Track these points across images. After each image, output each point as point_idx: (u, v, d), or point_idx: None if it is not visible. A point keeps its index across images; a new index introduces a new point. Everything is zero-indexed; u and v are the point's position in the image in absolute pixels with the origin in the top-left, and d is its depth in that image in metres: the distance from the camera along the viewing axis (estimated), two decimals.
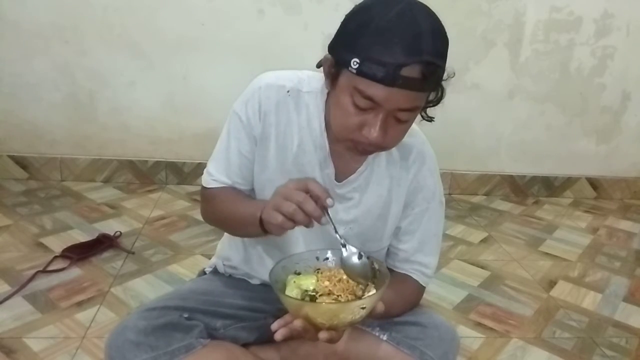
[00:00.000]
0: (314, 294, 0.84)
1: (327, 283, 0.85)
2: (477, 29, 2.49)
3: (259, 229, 0.89)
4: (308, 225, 0.82)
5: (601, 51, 2.60)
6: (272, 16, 2.34)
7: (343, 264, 0.85)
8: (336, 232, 0.85)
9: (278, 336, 0.80)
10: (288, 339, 0.81)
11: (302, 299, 0.82)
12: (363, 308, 0.78)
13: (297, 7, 2.34)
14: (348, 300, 0.81)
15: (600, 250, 2.21)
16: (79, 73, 2.34)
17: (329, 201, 0.82)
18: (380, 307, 0.82)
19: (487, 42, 2.52)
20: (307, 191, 0.82)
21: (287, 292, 0.83)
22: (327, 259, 0.91)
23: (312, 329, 0.79)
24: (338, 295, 0.83)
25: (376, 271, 0.86)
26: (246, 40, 2.35)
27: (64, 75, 2.34)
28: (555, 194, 2.84)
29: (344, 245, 0.85)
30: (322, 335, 0.78)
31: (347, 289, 0.84)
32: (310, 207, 0.80)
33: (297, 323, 0.78)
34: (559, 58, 2.59)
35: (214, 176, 1.04)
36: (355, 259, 0.85)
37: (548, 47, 2.56)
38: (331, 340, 0.79)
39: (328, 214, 0.83)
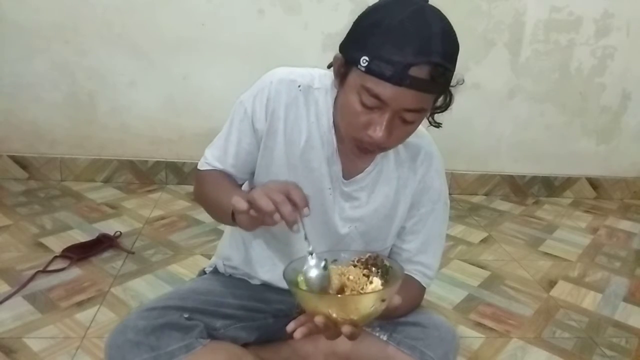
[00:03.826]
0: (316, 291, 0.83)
1: (336, 280, 0.84)
2: (477, 29, 2.49)
3: (230, 218, 0.88)
4: (273, 218, 0.79)
5: (601, 51, 2.60)
6: (272, 16, 2.34)
7: (305, 272, 0.83)
8: (306, 238, 0.83)
9: (298, 335, 0.79)
10: (307, 336, 0.80)
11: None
12: (383, 300, 0.78)
13: (297, 7, 2.34)
14: (369, 292, 0.80)
15: (600, 250, 2.21)
16: (79, 73, 2.34)
17: (305, 210, 0.81)
18: (397, 299, 0.81)
19: (487, 42, 2.52)
20: (288, 195, 0.80)
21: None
22: (336, 260, 0.90)
23: (332, 326, 0.78)
24: (351, 290, 0.83)
25: (387, 267, 0.86)
26: (246, 40, 2.35)
27: (64, 75, 2.34)
28: (555, 194, 2.84)
29: (311, 254, 0.83)
30: (346, 329, 0.77)
31: (356, 287, 0.84)
32: (287, 210, 0.78)
33: (319, 319, 0.77)
34: (559, 58, 2.59)
35: (208, 160, 1.05)
36: (313, 272, 0.82)
37: (548, 47, 2.57)
38: (353, 336, 0.78)
39: (302, 223, 0.81)
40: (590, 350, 1.51)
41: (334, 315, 0.77)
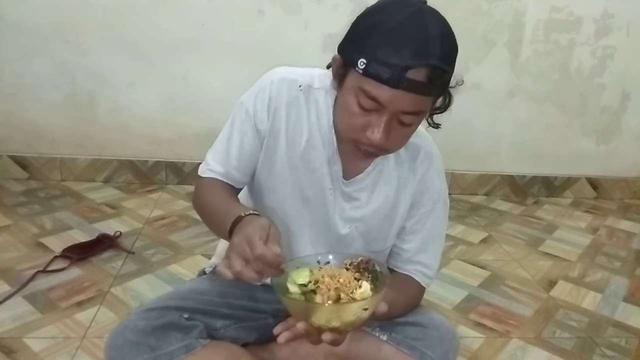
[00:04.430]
0: (310, 287, 0.83)
1: (327, 279, 0.84)
2: (477, 29, 2.49)
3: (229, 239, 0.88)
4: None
5: (601, 51, 2.60)
6: (272, 16, 2.34)
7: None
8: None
9: (281, 339, 0.80)
10: (291, 341, 0.81)
11: (303, 294, 0.82)
12: (366, 309, 0.78)
13: (297, 7, 2.34)
14: (350, 301, 0.81)
15: (600, 250, 2.21)
16: (79, 73, 2.34)
17: (283, 266, 0.79)
18: (383, 307, 0.82)
19: (487, 42, 2.52)
20: (264, 261, 0.77)
21: (288, 294, 0.82)
22: (329, 262, 0.90)
23: (314, 331, 0.78)
24: (338, 296, 0.82)
25: (377, 273, 0.86)
26: (246, 40, 2.35)
27: (64, 75, 2.34)
28: (555, 194, 2.84)
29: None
30: (326, 336, 0.77)
31: (346, 290, 0.84)
32: (270, 273, 0.79)
33: (300, 326, 0.77)
34: (559, 58, 2.59)
35: (210, 165, 1.04)
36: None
37: (548, 47, 2.56)
38: (334, 342, 0.79)
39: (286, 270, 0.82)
40: (590, 350, 1.51)
41: (316, 322, 0.77)
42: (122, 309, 1.50)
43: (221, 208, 0.95)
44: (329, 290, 0.82)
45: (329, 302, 0.81)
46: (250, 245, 0.78)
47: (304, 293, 0.83)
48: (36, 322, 1.41)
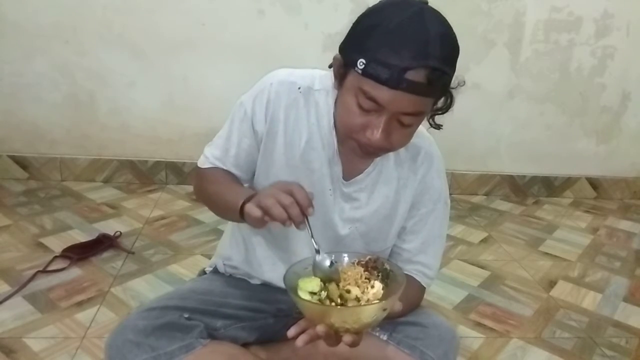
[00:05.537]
0: (321, 296, 0.83)
1: (333, 285, 0.84)
2: (477, 29, 2.49)
3: (239, 217, 0.90)
4: (284, 224, 0.83)
5: (601, 51, 2.60)
6: (272, 16, 2.34)
7: (315, 267, 0.86)
8: (312, 237, 0.86)
9: (299, 342, 0.79)
10: (308, 343, 0.80)
11: (320, 302, 0.82)
12: (385, 309, 0.78)
13: (297, 7, 2.34)
14: (371, 303, 0.80)
15: (600, 250, 2.21)
16: (79, 73, 2.34)
17: (310, 210, 0.83)
18: (399, 306, 0.82)
19: (487, 42, 2.52)
20: (293, 196, 0.83)
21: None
22: (336, 262, 0.90)
23: (333, 334, 0.78)
24: (356, 297, 0.82)
25: (388, 271, 0.86)
26: (246, 41, 2.35)
27: (64, 75, 2.34)
28: (555, 194, 2.84)
29: (318, 252, 0.86)
30: (347, 338, 0.78)
31: (356, 291, 0.83)
32: (295, 211, 0.82)
33: (320, 329, 0.77)
34: (559, 58, 2.59)
35: (209, 159, 1.05)
36: (322, 269, 0.85)
37: (548, 47, 2.56)
38: (354, 344, 0.79)
39: (308, 221, 0.84)
40: (590, 350, 1.51)
41: (335, 325, 0.77)
42: (122, 309, 1.50)
43: (232, 192, 0.96)
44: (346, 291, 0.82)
45: (349, 304, 0.81)
46: (284, 184, 0.85)
47: (314, 300, 0.83)
48: (36, 322, 1.41)
